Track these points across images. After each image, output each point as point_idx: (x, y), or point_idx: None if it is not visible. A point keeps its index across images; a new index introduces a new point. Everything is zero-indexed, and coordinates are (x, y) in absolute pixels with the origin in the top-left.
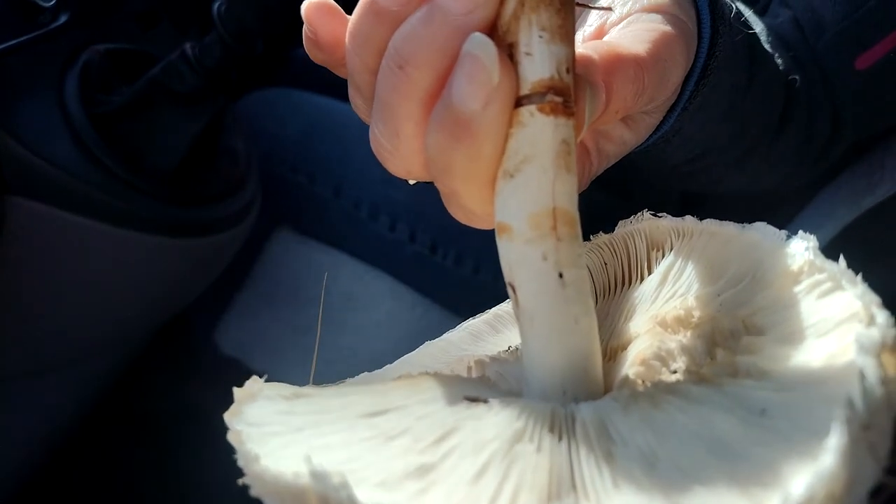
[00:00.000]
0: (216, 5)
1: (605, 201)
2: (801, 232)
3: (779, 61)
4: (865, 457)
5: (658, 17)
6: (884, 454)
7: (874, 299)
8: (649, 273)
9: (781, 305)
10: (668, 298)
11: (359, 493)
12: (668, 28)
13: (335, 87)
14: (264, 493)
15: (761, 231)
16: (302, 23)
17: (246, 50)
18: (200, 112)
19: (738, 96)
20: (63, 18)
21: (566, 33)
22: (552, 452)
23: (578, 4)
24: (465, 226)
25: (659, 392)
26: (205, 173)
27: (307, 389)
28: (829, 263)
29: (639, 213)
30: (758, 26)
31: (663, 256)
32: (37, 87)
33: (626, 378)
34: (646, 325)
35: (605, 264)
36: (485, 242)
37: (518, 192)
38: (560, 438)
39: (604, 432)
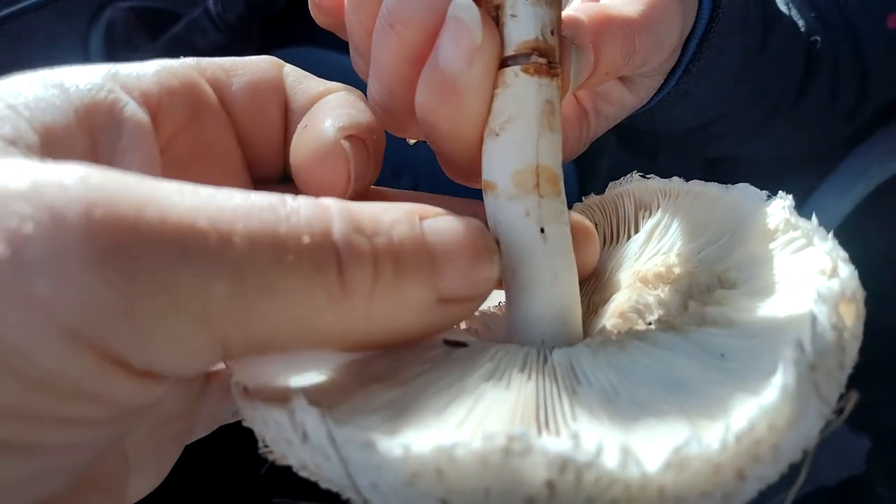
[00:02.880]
0: None
1: (630, 162)
2: (780, 193)
3: (801, 22)
4: (810, 395)
5: None
6: (829, 394)
7: (841, 254)
8: (636, 232)
9: (756, 261)
10: (651, 256)
11: (333, 414)
12: None
13: None
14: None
15: (743, 192)
16: None
17: (268, 5)
18: None
19: (750, 60)
20: None
21: None
22: (520, 389)
23: None
24: None
25: (628, 338)
26: None
27: None
28: (803, 222)
29: (628, 175)
30: None
31: (650, 216)
32: (62, 45)
33: (603, 328)
34: (628, 280)
35: (596, 224)
36: None
37: (503, 150)
38: (528, 377)
39: (570, 373)
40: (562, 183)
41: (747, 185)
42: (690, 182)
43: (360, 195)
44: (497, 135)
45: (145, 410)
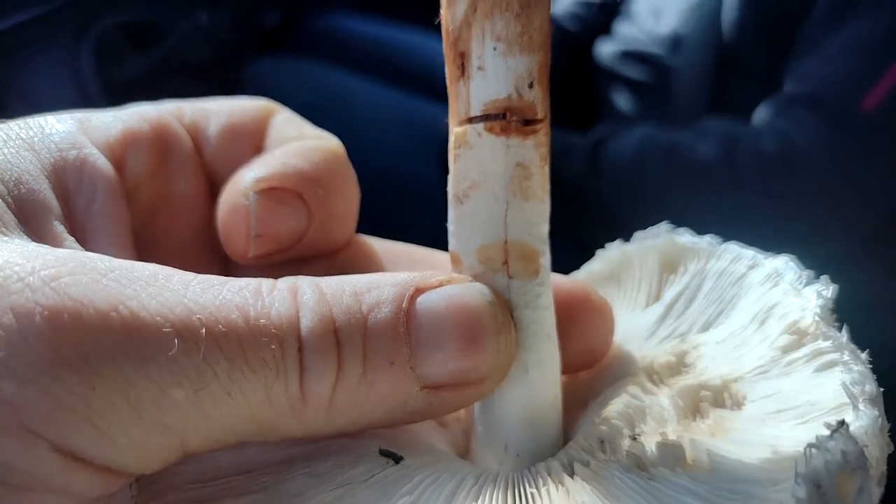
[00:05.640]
0: None
1: None
2: (823, 278)
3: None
4: None
5: None
6: None
7: (868, 389)
8: (657, 300)
9: (773, 374)
10: (665, 337)
11: None
12: None
13: (343, 58)
14: None
15: (783, 267)
16: None
17: (258, 20)
18: (214, 82)
19: None
20: None
21: (529, 41)
22: None
23: None
24: None
25: (588, 475)
26: None
27: None
28: (833, 331)
29: (658, 225)
30: None
31: (675, 282)
32: (54, 57)
33: (578, 441)
34: (632, 365)
35: (620, 282)
36: None
37: (466, 221)
38: None
39: None
40: (543, 258)
41: (790, 258)
42: (726, 244)
43: (350, 249)
44: (461, 202)
45: (110, 500)
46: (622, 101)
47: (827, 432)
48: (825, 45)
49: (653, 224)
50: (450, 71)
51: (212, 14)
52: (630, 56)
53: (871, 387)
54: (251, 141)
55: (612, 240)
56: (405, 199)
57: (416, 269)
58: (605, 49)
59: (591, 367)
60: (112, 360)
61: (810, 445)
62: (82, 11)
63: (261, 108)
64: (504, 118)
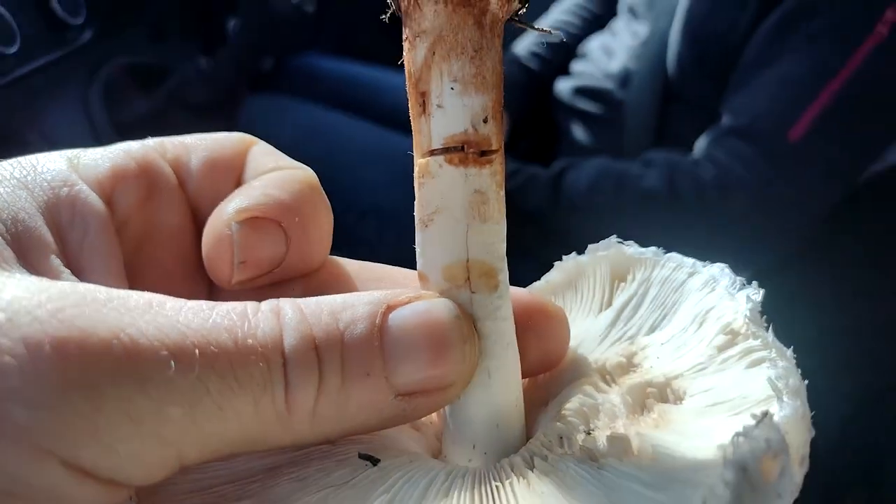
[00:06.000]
0: (230, 24)
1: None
2: (754, 284)
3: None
4: None
5: None
6: None
7: (791, 383)
8: (609, 306)
9: (710, 370)
10: (616, 339)
11: None
12: None
13: (323, 96)
14: None
15: (719, 273)
16: (304, 33)
17: (255, 64)
18: (212, 120)
19: None
20: (88, 35)
21: (483, 81)
22: None
23: (521, 24)
24: None
25: (547, 469)
26: None
27: None
28: (762, 331)
29: (607, 239)
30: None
31: (624, 289)
32: (66, 98)
33: (539, 437)
34: (586, 367)
35: (577, 290)
36: None
37: (431, 243)
38: None
39: None
40: (501, 274)
41: (724, 266)
42: (669, 254)
43: (318, 272)
44: (426, 226)
45: None
46: (579, 133)
47: (753, 422)
48: (756, 83)
49: None
50: (413, 108)
51: (210, 59)
52: (585, 91)
53: (794, 380)
54: (231, 172)
55: None
56: (383, 234)
57: (386, 287)
58: (564, 86)
59: (549, 371)
60: (115, 383)
61: (738, 434)
62: (92, 56)
63: (239, 141)
64: (462, 150)
